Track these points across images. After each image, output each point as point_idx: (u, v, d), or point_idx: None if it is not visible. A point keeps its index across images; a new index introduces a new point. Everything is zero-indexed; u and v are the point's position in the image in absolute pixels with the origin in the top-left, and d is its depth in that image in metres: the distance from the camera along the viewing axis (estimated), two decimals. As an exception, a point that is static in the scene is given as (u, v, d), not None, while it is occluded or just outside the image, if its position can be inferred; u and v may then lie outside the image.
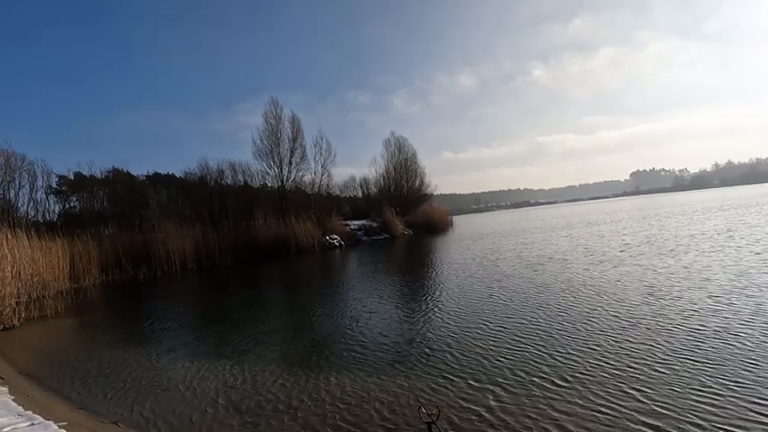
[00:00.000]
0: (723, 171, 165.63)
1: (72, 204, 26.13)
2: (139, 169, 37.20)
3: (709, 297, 5.96)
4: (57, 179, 25.61)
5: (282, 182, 30.05)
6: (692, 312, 5.33)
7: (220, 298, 12.31)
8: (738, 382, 3.36)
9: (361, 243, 30.15)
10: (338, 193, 38.81)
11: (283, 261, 21.97)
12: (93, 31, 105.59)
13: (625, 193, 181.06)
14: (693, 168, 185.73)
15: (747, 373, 3.52)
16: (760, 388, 3.24)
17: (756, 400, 3.06)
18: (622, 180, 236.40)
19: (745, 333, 4.42)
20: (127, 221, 25.68)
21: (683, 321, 5.02)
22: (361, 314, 7.46)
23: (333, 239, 28.16)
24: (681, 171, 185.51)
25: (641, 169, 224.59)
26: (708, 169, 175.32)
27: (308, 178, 31.60)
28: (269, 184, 30.99)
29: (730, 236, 12.13)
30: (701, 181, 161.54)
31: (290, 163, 30.20)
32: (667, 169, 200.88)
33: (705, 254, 9.59)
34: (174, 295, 14.07)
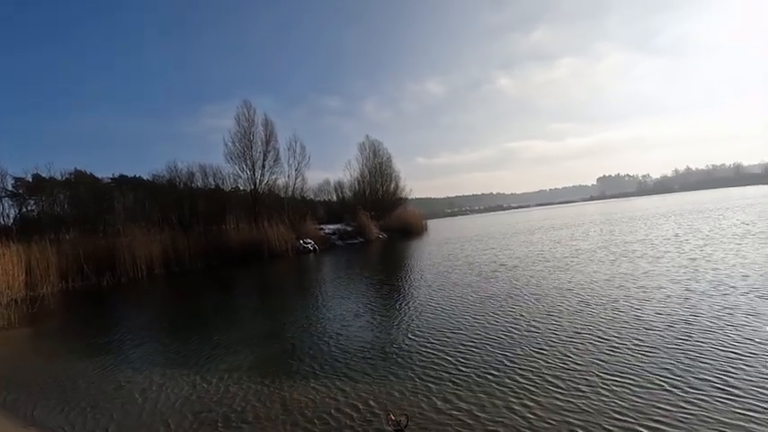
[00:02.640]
0: (682, 177, 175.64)
1: (29, 208, 24.98)
2: (104, 172, 35.84)
3: (638, 305, 6.44)
4: (13, 181, 24.41)
5: (255, 185, 29.74)
6: (617, 320, 5.76)
7: (188, 304, 12.15)
8: (648, 390, 3.73)
9: (335, 247, 30.18)
10: (312, 196, 38.73)
11: (256, 266, 21.76)
12: (56, 31, 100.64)
13: (592, 198, 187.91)
14: (655, 174, 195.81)
15: (660, 381, 3.89)
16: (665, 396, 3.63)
17: (655, 408, 3.43)
18: (590, 185, 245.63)
19: (665, 343, 4.89)
20: (90, 226, 24.76)
21: (606, 330, 5.42)
22: (332, 321, 7.62)
23: (306, 244, 28.07)
24: (644, 177, 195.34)
25: (607, 175, 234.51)
26: (669, 175, 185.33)
27: (281, 182, 31.44)
28: (241, 188, 30.61)
29: (675, 242, 13.01)
30: (662, 186, 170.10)
31: (263, 166, 29.99)
32: (631, 175, 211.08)
33: (647, 259, 10.27)
34: (138, 302, 13.76)
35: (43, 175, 25.26)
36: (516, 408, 3.55)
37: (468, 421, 3.43)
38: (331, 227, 33.49)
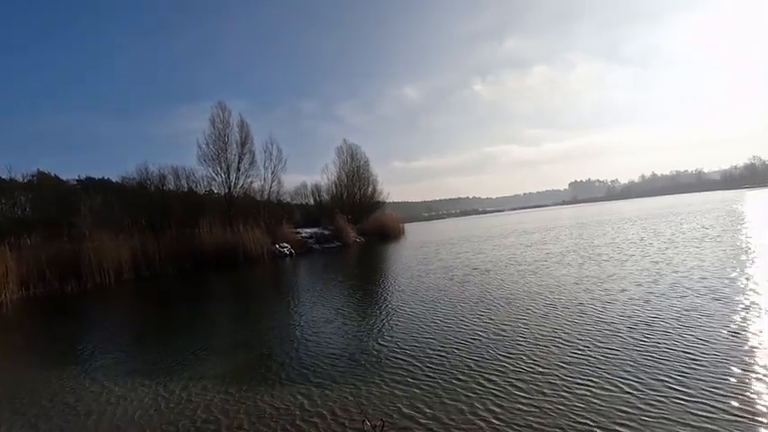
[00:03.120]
0: (648, 182, 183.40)
1: (-14, 211, 23.61)
2: (70, 173, 34.36)
3: (602, 308, 6.67)
4: (-32, 182, 23.04)
5: (230, 188, 29.14)
6: (582, 323, 5.95)
7: (156, 311, 11.74)
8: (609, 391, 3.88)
9: (312, 251, 29.84)
10: (289, 200, 38.19)
11: (230, 270, 21.27)
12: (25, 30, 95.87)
13: (564, 202, 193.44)
14: (623, 179, 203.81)
15: (620, 383, 4.05)
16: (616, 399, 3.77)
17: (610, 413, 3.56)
18: (562, 189, 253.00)
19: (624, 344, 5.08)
20: (54, 229, 23.59)
21: (571, 332, 5.62)
22: (303, 327, 7.52)
23: (283, 248, 27.65)
24: (612, 182, 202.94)
25: (578, 180, 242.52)
26: (635, 180, 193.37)
27: (257, 185, 30.90)
28: (215, 191, 29.92)
29: (640, 245, 13.55)
30: (629, 191, 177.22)
31: (239, 169, 29.40)
32: (601, 180, 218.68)
33: (612, 263, 10.65)
34: (104, 309, 13.19)
35: (3, 177, 24.01)
36: (481, 412, 3.60)
37: (434, 425, 3.46)
38: (308, 231, 33.12)
